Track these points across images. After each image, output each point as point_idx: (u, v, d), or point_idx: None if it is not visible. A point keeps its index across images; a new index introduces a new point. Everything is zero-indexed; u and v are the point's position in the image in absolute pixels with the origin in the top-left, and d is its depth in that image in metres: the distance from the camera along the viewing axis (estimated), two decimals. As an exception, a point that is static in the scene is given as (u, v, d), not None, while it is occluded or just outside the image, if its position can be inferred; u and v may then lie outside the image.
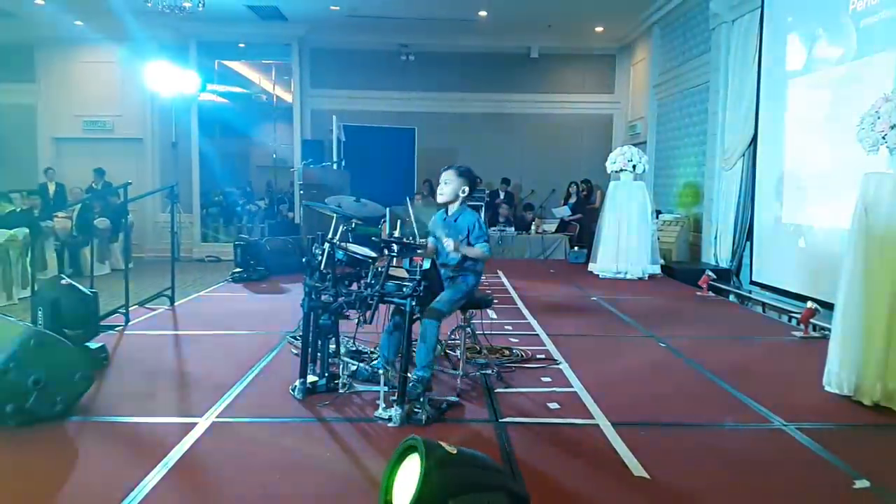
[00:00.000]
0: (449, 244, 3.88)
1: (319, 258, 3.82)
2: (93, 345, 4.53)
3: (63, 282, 4.59)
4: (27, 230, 8.11)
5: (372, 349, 4.49)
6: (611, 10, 11.98)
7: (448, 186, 4.04)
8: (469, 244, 3.97)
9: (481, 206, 11.99)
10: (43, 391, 3.32)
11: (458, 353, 4.33)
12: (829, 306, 4.91)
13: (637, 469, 2.97)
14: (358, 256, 3.80)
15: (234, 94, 14.58)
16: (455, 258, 4.00)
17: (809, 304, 5.80)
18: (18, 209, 9.45)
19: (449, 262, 4.05)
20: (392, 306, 3.83)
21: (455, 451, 2.33)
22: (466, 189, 4.05)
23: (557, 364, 4.68)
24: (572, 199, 12.70)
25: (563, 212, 12.54)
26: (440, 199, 4.09)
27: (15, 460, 3.03)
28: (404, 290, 3.54)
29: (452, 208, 4.10)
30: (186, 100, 13.23)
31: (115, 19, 11.77)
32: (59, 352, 3.47)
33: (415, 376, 3.71)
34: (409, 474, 2.32)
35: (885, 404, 3.76)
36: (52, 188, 12.14)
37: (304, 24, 13.09)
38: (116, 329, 5.59)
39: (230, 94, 14.51)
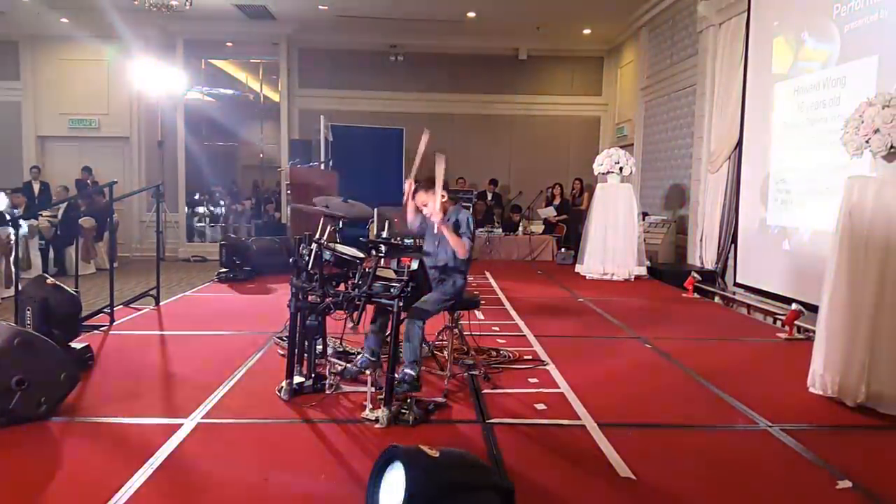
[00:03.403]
0: (437, 216, 3.98)
1: (307, 258, 3.81)
2: (77, 345, 4.49)
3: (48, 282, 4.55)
4: (11, 229, 8.03)
5: (359, 350, 4.48)
6: (599, 12, 12.04)
7: (430, 205, 4.10)
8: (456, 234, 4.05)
9: (469, 207, 11.99)
10: (27, 392, 3.29)
11: (445, 353, 4.33)
12: (813, 308, 4.95)
13: (623, 469, 2.98)
14: (346, 257, 3.79)
15: (221, 94, 14.53)
16: (444, 260, 4.02)
17: (794, 305, 5.85)
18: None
19: (437, 264, 4.06)
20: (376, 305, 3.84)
21: (437, 454, 2.29)
22: (444, 194, 4.09)
23: (544, 365, 4.69)
24: (557, 201, 12.74)
25: (549, 212, 12.57)
26: (433, 218, 4.13)
27: (-3, 461, 3.01)
28: (392, 290, 3.54)
29: (449, 212, 4.15)
30: (173, 98, 13.19)
31: (102, 17, 11.70)
32: (43, 352, 3.44)
33: (402, 372, 3.72)
34: (393, 485, 2.26)
35: (869, 405, 3.80)
36: (37, 187, 12.03)
37: (292, 24, 13.05)
38: (101, 329, 5.55)
39: (217, 93, 14.46)
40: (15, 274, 5.97)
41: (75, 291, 4.71)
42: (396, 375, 3.59)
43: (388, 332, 3.79)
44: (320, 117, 12.23)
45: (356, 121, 13.34)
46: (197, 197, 14.31)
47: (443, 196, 4.08)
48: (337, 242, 4.19)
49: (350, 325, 3.67)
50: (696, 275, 8.23)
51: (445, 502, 2.20)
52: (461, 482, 2.26)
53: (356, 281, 3.75)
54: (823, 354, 4.02)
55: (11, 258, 7.75)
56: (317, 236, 3.94)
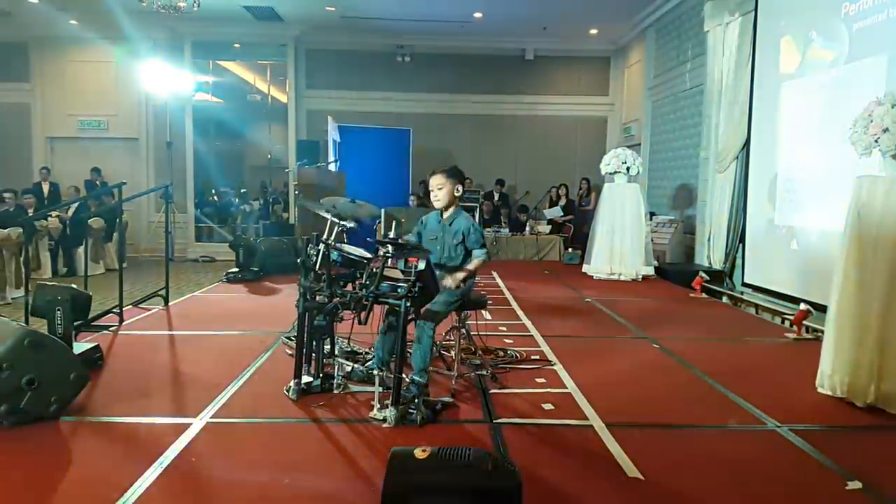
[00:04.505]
0: (448, 282, 3.92)
1: (314, 259, 3.82)
2: (87, 345, 4.52)
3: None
4: (21, 230, 8.09)
5: (367, 350, 4.49)
6: (605, 12, 12.03)
7: (443, 191, 4.06)
8: (464, 247, 4.02)
9: (475, 207, 12.00)
10: (37, 391, 3.31)
11: (452, 353, 4.33)
12: (821, 308, 4.94)
13: (631, 470, 2.98)
14: (353, 257, 3.80)
15: (230, 95, 14.58)
16: (454, 259, 4.03)
17: (802, 305, 5.83)
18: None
19: (445, 264, 4.06)
20: (386, 307, 3.84)
21: (426, 455, 2.30)
22: (459, 188, 4.08)
23: (552, 365, 4.69)
24: (562, 202, 12.74)
25: (555, 212, 12.57)
26: (437, 204, 4.11)
27: (9, 461, 3.02)
28: (399, 290, 3.54)
29: (447, 212, 4.13)
30: (181, 99, 13.25)
31: (110, 19, 11.78)
32: (53, 352, 3.46)
33: (410, 379, 3.72)
34: None
35: (878, 406, 3.79)
36: (46, 188, 12.11)
37: (299, 25, 13.09)
38: (111, 329, 5.58)
39: (225, 95, 14.52)
40: (25, 274, 6.02)
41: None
42: (404, 377, 3.59)
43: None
44: (328, 118, 12.27)
45: (363, 121, 13.37)
46: (218, 198, 14.37)
47: (458, 191, 4.07)
48: (344, 243, 4.20)
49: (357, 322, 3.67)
50: (703, 275, 8.20)
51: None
52: (439, 485, 2.25)
53: (364, 281, 3.75)
54: (832, 354, 4.00)
55: (21, 258, 7.81)
56: (324, 237, 3.95)
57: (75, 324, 4.55)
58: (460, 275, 3.97)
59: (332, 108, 13.38)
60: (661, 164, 11.95)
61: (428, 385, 3.81)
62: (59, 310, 4.25)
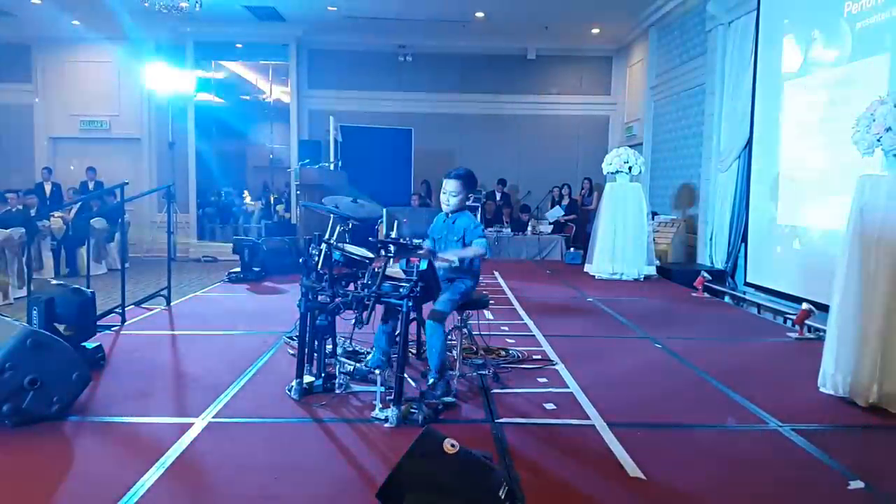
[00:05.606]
0: (447, 259, 3.90)
1: (316, 258, 3.83)
2: (89, 345, 4.52)
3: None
4: (23, 230, 8.09)
5: (368, 349, 4.49)
6: (608, 11, 12.02)
7: (456, 198, 4.06)
8: (465, 244, 4.02)
9: (478, 207, 12.00)
10: (39, 391, 3.32)
11: (454, 353, 4.33)
12: (823, 308, 4.93)
13: (633, 469, 2.98)
14: (355, 257, 3.80)
15: (231, 95, 14.59)
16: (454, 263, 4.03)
17: (804, 305, 5.82)
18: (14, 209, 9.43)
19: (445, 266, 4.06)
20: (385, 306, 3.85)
21: (453, 452, 2.29)
22: (471, 195, 4.10)
23: (553, 365, 4.68)
24: (565, 201, 12.73)
25: (556, 213, 12.56)
26: (445, 208, 4.11)
27: (11, 461, 3.03)
28: (401, 290, 3.54)
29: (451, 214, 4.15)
30: (183, 99, 13.26)
31: (113, 19, 11.79)
32: (55, 352, 3.47)
33: (431, 380, 3.79)
34: None
35: (881, 405, 3.78)
36: (48, 188, 12.13)
37: (301, 25, 13.09)
38: (113, 329, 5.59)
39: (227, 95, 14.53)
40: (27, 274, 6.03)
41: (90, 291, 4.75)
42: (406, 377, 3.60)
43: (398, 332, 3.81)
44: (329, 118, 12.27)
45: (365, 121, 13.37)
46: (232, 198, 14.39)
47: (468, 198, 4.09)
48: (347, 242, 4.20)
49: (357, 325, 3.68)
50: (705, 274, 8.19)
51: (414, 495, 2.24)
52: (446, 484, 2.23)
53: (365, 281, 3.76)
54: (835, 354, 3.99)
55: (24, 258, 7.82)
56: (326, 236, 3.95)
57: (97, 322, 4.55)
58: (459, 252, 3.96)
59: (334, 107, 13.38)
60: (663, 164, 11.94)
61: (447, 388, 3.80)
62: (35, 310, 4.25)
